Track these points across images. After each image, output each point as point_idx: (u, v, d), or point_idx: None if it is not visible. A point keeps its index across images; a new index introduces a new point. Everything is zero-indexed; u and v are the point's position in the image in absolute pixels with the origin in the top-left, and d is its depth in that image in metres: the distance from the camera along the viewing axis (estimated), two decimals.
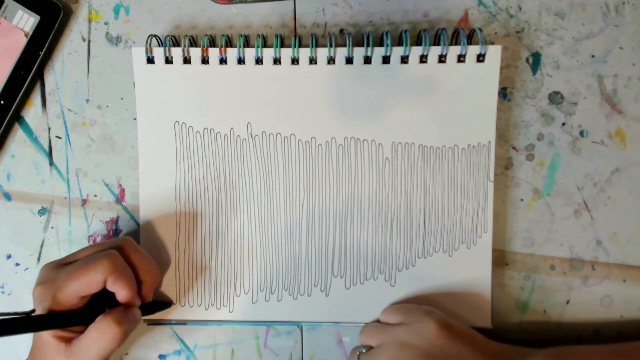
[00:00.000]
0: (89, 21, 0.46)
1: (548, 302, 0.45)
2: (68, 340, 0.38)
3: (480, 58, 0.43)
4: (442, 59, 0.43)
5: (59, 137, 0.46)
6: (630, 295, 0.45)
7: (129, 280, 0.38)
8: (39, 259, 0.46)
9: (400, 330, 0.40)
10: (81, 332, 0.38)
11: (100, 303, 0.39)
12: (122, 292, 0.38)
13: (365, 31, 0.45)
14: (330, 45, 0.42)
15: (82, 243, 0.46)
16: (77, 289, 0.37)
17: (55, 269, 0.39)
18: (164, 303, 0.44)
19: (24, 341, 0.45)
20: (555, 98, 0.45)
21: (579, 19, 0.45)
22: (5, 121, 0.45)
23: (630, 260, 0.45)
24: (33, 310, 0.37)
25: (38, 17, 0.44)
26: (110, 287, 0.38)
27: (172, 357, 0.46)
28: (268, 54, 0.43)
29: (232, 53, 0.43)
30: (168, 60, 0.43)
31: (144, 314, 0.41)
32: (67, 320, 0.38)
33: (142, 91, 0.44)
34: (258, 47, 0.43)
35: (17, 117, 0.46)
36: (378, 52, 0.43)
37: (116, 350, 0.39)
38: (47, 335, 0.38)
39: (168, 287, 0.44)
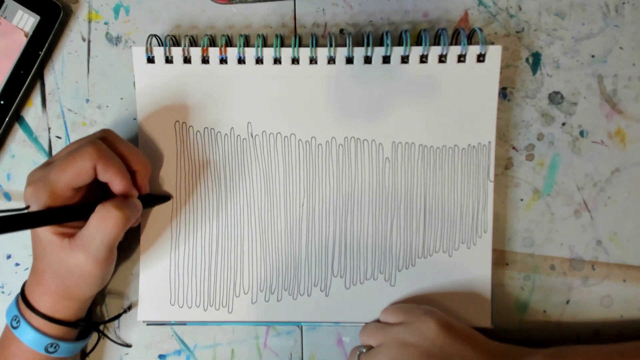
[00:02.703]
0: (89, 21, 0.46)
1: (548, 302, 0.45)
2: (70, 235, 0.37)
3: (481, 58, 0.43)
4: (442, 59, 0.43)
5: (59, 137, 0.46)
6: (630, 295, 0.45)
7: (119, 167, 0.38)
8: None
9: (400, 329, 0.40)
10: (81, 227, 0.37)
11: (98, 200, 0.38)
12: (115, 181, 0.38)
13: (365, 31, 0.45)
14: (330, 45, 0.42)
15: None
16: (68, 180, 0.36)
17: (42, 168, 0.38)
18: (163, 196, 0.44)
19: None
20: (555, 98, 0.45)
21: (579, 19, 0.45)
22: (5, 121, 0.45)
23: (630, 260, 0.45)
24: (27, 207, 0.37)
25: (38, 17, 0.44)
26: (102, 176, 0.37)
27: (172, 357, 0.46)
28: (268, 53, 0.43)
29: (232, 53, 0.43)
30: (168, 60, 0.43)
31: (144, 207, 0.41)
32: (67, 214, 0.37)
33: (142, 91, 0.44)
34: (258, 46, 0.43)
35: (17, 117, 0.46)
36: (378, 52, 0.43)
37: (121, 235, 0.38)
38: (47, 234, 0.37)
39: (167, 287, 0.44)
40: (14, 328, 0.39)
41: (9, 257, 0.46)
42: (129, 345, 0.46)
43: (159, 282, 0.44)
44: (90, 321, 0.44)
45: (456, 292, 0.44)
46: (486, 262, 0.44)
